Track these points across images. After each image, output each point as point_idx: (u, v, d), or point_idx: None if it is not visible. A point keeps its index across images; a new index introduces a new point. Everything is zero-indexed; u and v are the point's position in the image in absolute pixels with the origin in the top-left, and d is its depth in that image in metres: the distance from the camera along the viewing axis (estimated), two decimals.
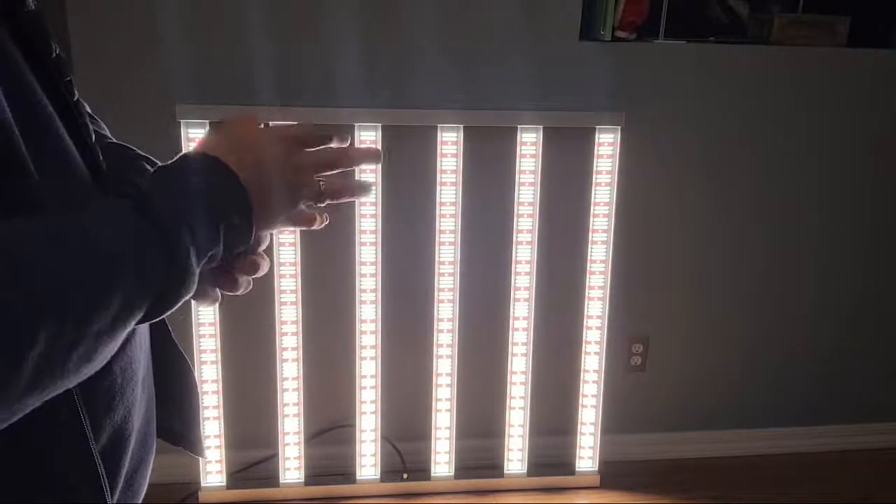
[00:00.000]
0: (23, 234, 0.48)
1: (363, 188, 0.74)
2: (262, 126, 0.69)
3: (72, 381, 0.50)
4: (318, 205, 0.69)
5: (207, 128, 1.82)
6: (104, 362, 0.53)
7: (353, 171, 0.75)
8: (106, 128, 0.80)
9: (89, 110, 0.76)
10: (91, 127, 0.65)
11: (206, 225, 0.58)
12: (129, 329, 0.54)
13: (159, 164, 0.78)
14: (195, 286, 0.58)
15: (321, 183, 0.68)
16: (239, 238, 0.62)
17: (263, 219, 0.64)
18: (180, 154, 0.63)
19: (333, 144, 0.72)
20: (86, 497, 0.58)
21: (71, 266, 0.48)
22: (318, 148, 0.70)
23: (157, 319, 0.57)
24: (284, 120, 1.83)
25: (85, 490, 0.58)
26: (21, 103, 0.53)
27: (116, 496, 0.63)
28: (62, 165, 0.58)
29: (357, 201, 1.91)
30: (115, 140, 0.79)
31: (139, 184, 0.58)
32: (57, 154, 0.57)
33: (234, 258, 0.65)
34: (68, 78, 0.62)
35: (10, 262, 0.45)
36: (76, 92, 0.63)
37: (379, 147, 1.87)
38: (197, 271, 0.57)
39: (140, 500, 0.70)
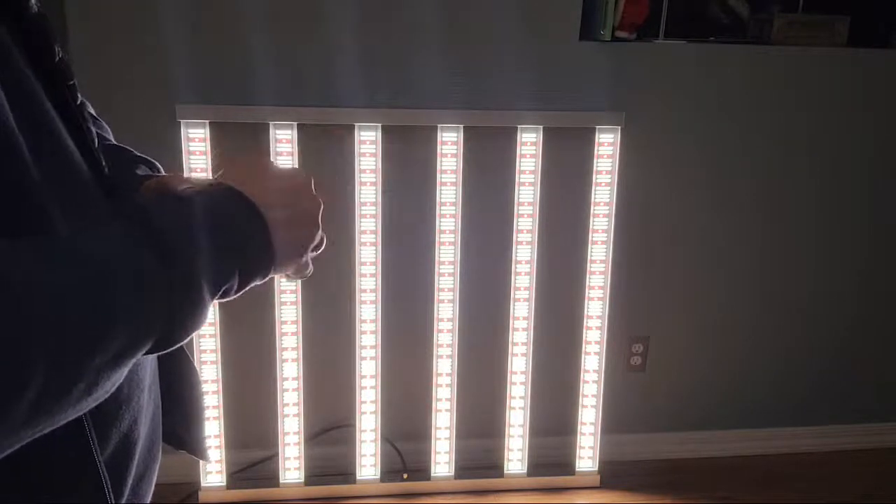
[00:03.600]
0: (21, 262, 0.45)
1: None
2: (271, 165, 0.67)
3: (72, 415, 0.48)
4: (314, 253, 0.68)
5: (208, 131, 1.82)
6: (108, 394, 0.50)
7: None
8: (109, 130, 0.79)
9: (93, 112, 0.76)
10: (95, 131, 0.65)
11: (224, 262, 0.56)
12: (135, 360, 0.51)
13: (158, 165, 0.78)
14: (206, 320, 0.56)
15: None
16: (256, 273, 0.60)
17: (282, 256, 0.62)
18: (201, 181, 0.60)
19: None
20: None
21: (72, 300, 0.45)
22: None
23: (165, 351, 0.55)
24: (284, 120, 1.83)
25: (88, 499, 0.57)
26: (23, 106, 0.52)
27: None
28: (64, 170, 0.56)
29: (357, 202, 1.91)
30: (114, 142, 0.78)
31: (151, 209, 0.54)
32: (59, 158, 0.56)
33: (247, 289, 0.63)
34: (72, 81, 0.61)
35: (5, 294, 0.42)
36: (80, 95, 0.63)
37: (379, 148, 1.88)
38: (209, 307, 0.55)
39: None
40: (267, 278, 0.62)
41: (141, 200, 0.56)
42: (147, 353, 0.52)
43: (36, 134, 0.53)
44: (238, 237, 0.58)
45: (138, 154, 0.77)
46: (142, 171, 0.75)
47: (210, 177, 0.66)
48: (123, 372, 0.51)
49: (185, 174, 0.68)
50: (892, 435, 2.42)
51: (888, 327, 2.32)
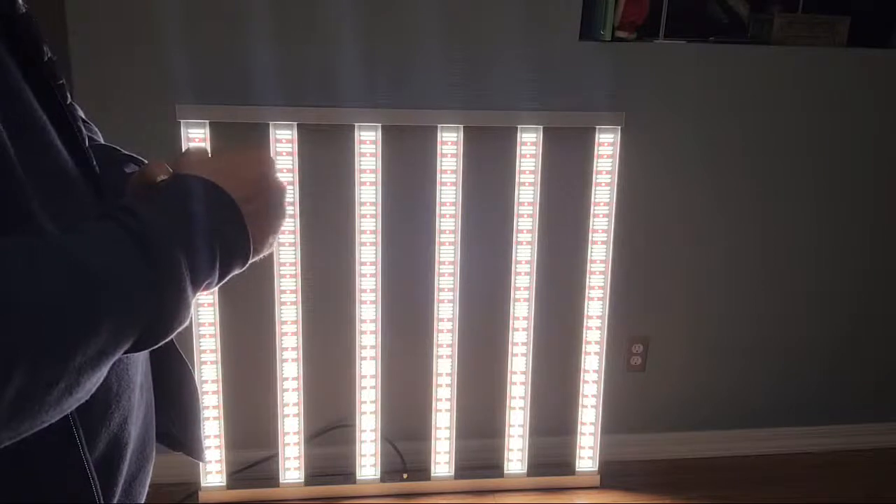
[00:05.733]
0: (6, 261, 0.45)
1: None
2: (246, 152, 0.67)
3: (54, 416, 0.48)
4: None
5: (208, 131, 1.82)
6: (90, 394, 0.50)
7: None
8: (99, 132, 0.79)
9: (82, 115, 0.76)
10: (84, 131, 0.65)
11: (205, 256, 0.56)
12: (115, 359, 0.51)
13: (146, 162, 0.78)
14: (189, 318, 0.56)
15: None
16: (235, 265, 0.60)
17: (257, 245, 0.63)
18: (179, 175, 0.60)
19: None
20: None
21: (57, 299, 0.46)
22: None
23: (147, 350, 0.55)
24: (284, 120, 1.83)
25: (76, 500, 0.57)
26: (9, 105, 0.53)
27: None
28: (50, 168, 0.57)
29: (357, 202, 1.91)
30: (103, 142, 0.78)
31: (135, 208, 0.54)
32: (45, 157, 0.56)
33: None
34: (60, 81, 0.61)
35: None
36: (69, 95, 0.63)
37: (379, 148, 1.88)
38: (192, 303, 0.55)
39: None
40: (244, 269, 0.62)
41: (126, 201, 0.56)
42: (129, 350, 0.52)
43: (22, 132, 0.53)
44: (219, 232, 0.58)
45: (126, 153, 0.77)
46: (130, 169, 0.76)
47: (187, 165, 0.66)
48: (104, 371, 0.51)
49: (164, 162, 0.68)
50: (892, 435, 2.42)
51: (888, 327, 2.32)
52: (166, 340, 0.55)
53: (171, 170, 0.65)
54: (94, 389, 0.51)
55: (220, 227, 0.58)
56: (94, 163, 0.63)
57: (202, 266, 0.56)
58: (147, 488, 0.70)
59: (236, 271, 0.61)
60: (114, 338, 0.49)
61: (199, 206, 0.57)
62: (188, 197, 0.58)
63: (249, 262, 0.62)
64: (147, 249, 0.52)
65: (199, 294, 0.57)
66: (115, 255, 0.51)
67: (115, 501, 0.62)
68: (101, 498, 0.59)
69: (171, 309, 0.53)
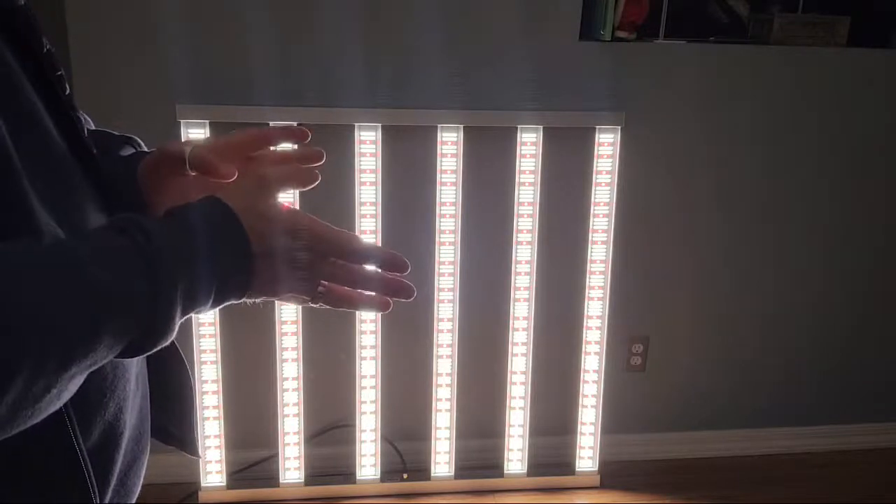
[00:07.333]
0: (10, 269, 0.46)
1: (375, 304, 0.68)
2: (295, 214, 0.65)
3: (37, 419, 0.49)
4: (309, 304, 0.67)
5: (208, 131, 1.82)
6: (70, 395, 0.52)
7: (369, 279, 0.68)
8: (91, 121, 0.80)
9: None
10: (83, 121, 0.65)
11: (202, 287, 0.56)
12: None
13: (138, 140, 0.78)
14: (172, 337, 0.56)
15: (321, 288, 0.66)
16: (227, 300, 0.61)
17: (260, 293, 0.62)
18: (209, 199, 0.60)
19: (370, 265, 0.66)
20: (71, 497, 0.58)
21: (63, 312, 0.47)
22: (345, 263, 0.65)
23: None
24: (284, 120, 1.83)
25: (70, 489, 0.58)
26: (9, 100, 0.53)
27: (109, 494, 0.62)
28: (50, 163, 0.57)
29: (357, 202, 1.91)
30: (95, 128, 0.79)
31: (147, 227, 0.54)
32: (45, 152, 0.57)
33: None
34: (59, 72, 0.61)
35: None
36: (68, 86, 0.63)
37: (379, 148, 1.87)
38: (176, 328, 0.56)
39: (134, 500, 0.69)
40: (240, 301, 0.62)
41: (143, 220, 0.56)
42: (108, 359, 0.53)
43: (21, 125, 0.53)
44: (223, 268, 0.58)
45: (118, 134, 0.78)
46: (125, 151, 0.76)
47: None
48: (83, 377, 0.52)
49: (184, 140, 0.68)
50: (892, 435, 2.41)
51: (889, 327, 2.32)
52: (142, 356, 0.55)
53: (189, 150, 0.67)
54: (74, 390, 0.52)
55: (226, 263, 0.58)
56: (94, 151, 0.64)
57: (199, 298, 0.57)
58: (142, 479, 0.70)
59: (230, 302, 0.61)
60: (105, 353, 0.51)
61: (214, 241, 0.57)
62: (207, 227, 0.58)
63: (245, 298, 0.62)
64: (157, 277, 0.52)
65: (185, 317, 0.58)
66: (126, 278, 0.51)
67: (110, 490, 0.63)
68: (96, 486, 0.59)
69: (160, 331, 0.54)
